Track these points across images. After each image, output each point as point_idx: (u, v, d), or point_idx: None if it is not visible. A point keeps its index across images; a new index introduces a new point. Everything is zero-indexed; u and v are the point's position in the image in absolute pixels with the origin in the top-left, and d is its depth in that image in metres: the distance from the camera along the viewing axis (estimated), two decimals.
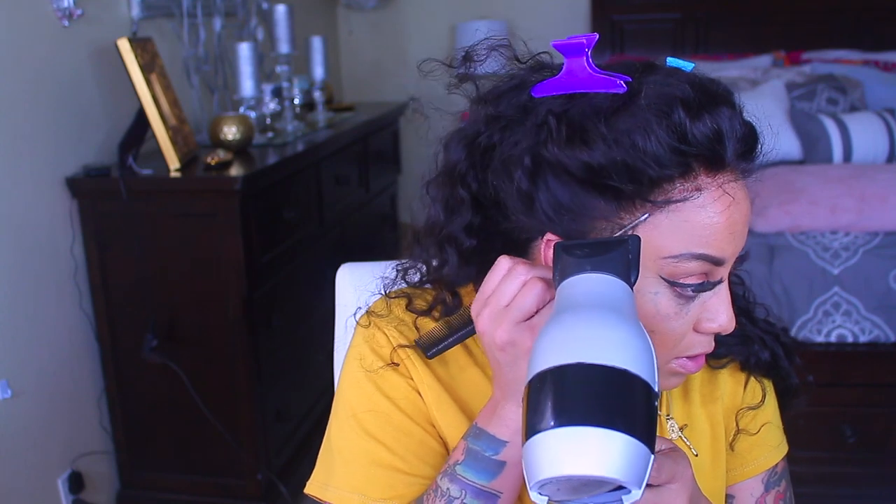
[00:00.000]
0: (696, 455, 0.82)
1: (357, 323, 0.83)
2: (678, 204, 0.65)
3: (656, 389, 0.51)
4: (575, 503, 0.53)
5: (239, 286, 2.00)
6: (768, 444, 0.86)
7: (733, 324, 0.69)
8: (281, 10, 2.66)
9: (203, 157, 2.09)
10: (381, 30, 4.11)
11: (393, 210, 3.42)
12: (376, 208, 3.15)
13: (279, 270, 2.20)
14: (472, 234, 0.74)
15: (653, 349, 0.53)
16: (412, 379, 0.78)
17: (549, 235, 0.69)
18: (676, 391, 0.83)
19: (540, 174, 0.67)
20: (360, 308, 0.84)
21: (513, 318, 0.63)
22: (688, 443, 0.81)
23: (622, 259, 0.60)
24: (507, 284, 0.64)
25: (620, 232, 0.65)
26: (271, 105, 2.56)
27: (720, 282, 0.68)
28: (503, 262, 0.66)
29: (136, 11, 2.26)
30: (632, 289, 0.59)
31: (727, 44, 3.67)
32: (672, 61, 0.70)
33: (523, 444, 0.50)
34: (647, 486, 0.58)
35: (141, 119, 2.04)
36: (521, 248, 0.73)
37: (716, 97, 0.66)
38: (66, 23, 1.99)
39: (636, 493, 0.49)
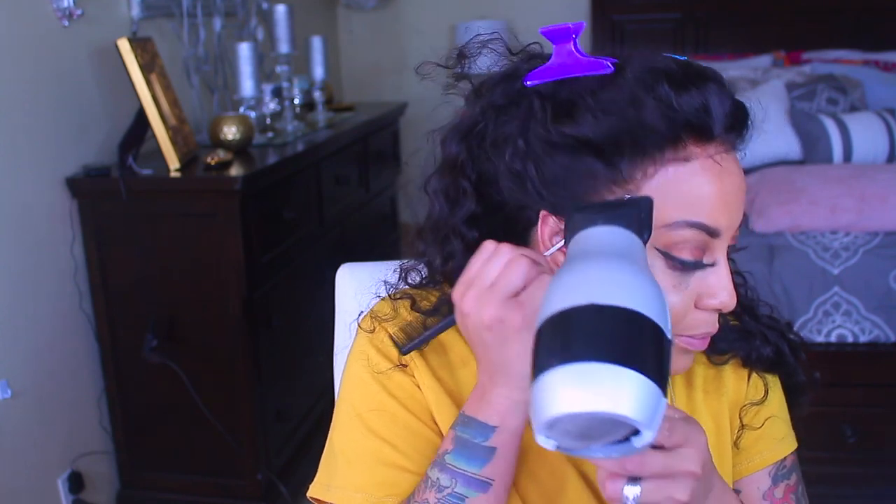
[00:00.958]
0: None
1: (359, 326, 0.82)
2: (669, 173, 0.66)
3: (669, 337, 0.50)
4: (583, 451, 0.51)
5: (239, 286, 2.00)
6: (772, 437, 0.85)
7: (734, 300, 0.69)
8: (281, 10, 2.65)
9: (203, 157, 2.09)
10: (380, 30, 4.10)
11: (393, 210, 3.42)
12: (376, 208, 3.15)
13: (279, 270, 2.20)
14: (475, 225, 0.75)
15: (665, 299, 0.52)
16: (414, 377, 0.78)
17: (543, 213, 0.70)
18: (679, 386, 0.83)
19: (530, 152, 0.68)
20: (362, 312, 0.84)
21: (499, 295, 0.63)
22: None
23: (634, 217, 0.59)
24: (492, 264, 0.64)
25: None
26: (271, 105, 2.55)
27: (715, 264, 0.68)
28: (487, 245, 0.66)
29: (136, 11, 2.26)
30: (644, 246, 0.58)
31: (727, 44, 3.66)
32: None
33: (531, 385, 0.49)
34: (660, 448, 0.57)
35: (141, 119, 2.04)
36: (521, 237, 0.74)
37: (703, 73, 0.67)
38: (65, 23, 1.99)
39: (648, 435, 0.47)
